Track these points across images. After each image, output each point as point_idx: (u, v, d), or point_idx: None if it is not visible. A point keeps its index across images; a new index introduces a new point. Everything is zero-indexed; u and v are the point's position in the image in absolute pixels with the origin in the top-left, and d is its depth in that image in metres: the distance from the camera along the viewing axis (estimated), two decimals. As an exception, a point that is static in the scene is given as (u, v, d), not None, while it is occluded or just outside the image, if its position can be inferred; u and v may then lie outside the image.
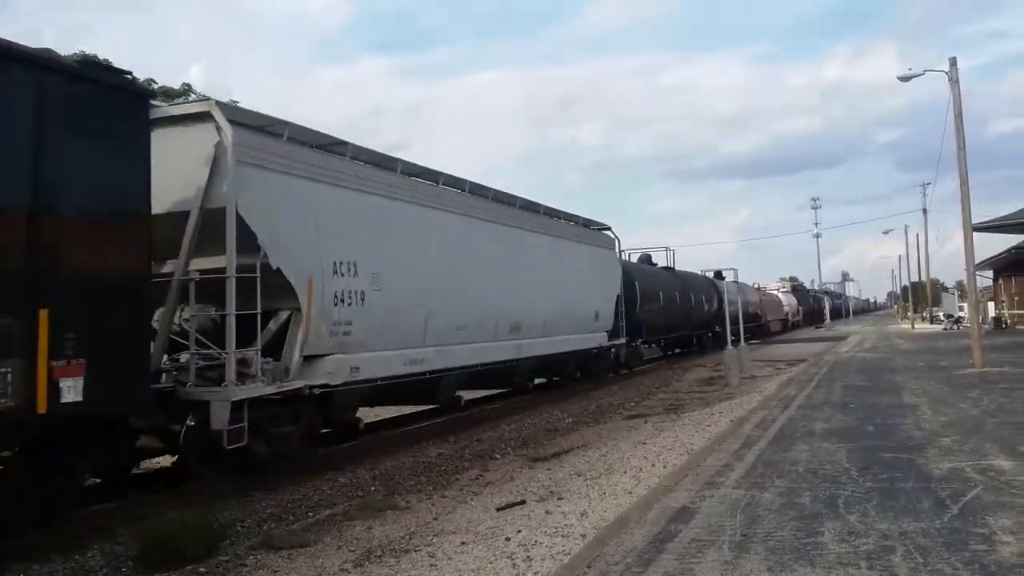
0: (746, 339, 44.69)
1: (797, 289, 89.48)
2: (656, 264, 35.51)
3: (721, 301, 39.13)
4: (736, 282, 44.47)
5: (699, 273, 41.80)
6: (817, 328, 73.70)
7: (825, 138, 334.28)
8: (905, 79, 23.83)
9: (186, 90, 34.53)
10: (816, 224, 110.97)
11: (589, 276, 22.74)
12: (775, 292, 69.42)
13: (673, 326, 34.07)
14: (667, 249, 37.03)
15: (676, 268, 37.46)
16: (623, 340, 25.38)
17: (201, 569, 7.42)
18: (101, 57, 33.25)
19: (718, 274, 43.36)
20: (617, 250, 26.08)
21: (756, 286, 59.35)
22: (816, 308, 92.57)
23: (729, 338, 26.68)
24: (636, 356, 28.88)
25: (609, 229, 25.57)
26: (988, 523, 6.43)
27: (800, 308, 78.66)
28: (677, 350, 38.11)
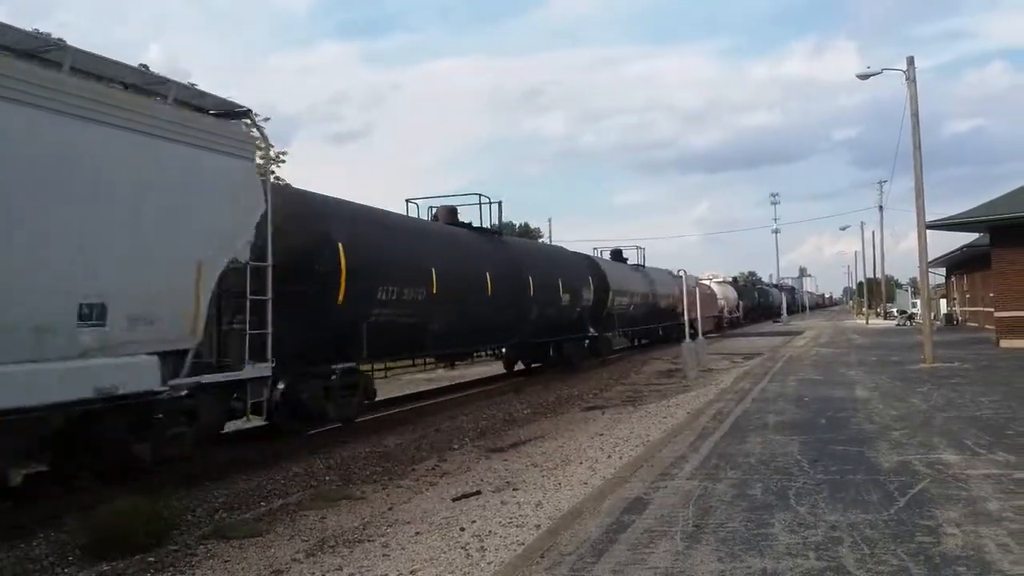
0: (640, 343, 37.75)
1: (739, 281, 77.62)
2: (471, 224, 20.81)
3: (605, 292, 28.43)
4: (639, 266, 36.84)
5: (564, 248, 29.95)
6: (774, 323, 72.85)
7: (784, 134, 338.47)
8: (864, 77, 24.14)
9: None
10: (775, 219, 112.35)
11: (109, 212, 8.61)
12: (707, 283, 56.76)
13: (483, 329, 19.53)
14: (487, 201, 21.40)
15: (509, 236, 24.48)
16: (264, 370, 11.00)
17: (150, 559, 7.32)
18: (55, 36, 32.51)
19: (616, 253, 35.59)
20: (263, 164, 13.41)
21: (682, 274, 49.62)
22: (763, 303, 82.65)
23: (688, 332, 26.99)
24: (350, 397, 14.31)
25: (246, 115, 11.48)
26: (934, 515, 6.54)
27: (741, 303, 66.26)
28: (536, 364, 26.09)
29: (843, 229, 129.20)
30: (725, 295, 60.11)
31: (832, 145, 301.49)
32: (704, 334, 46.72)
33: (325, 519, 8.66)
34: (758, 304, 78.36)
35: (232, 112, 11.23)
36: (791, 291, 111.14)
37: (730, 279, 67.91)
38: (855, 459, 9.00)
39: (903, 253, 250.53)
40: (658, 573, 5.47)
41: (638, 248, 38.39)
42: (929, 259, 26.23)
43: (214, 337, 10.46)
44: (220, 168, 10.18)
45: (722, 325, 56.36)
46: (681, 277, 47.97)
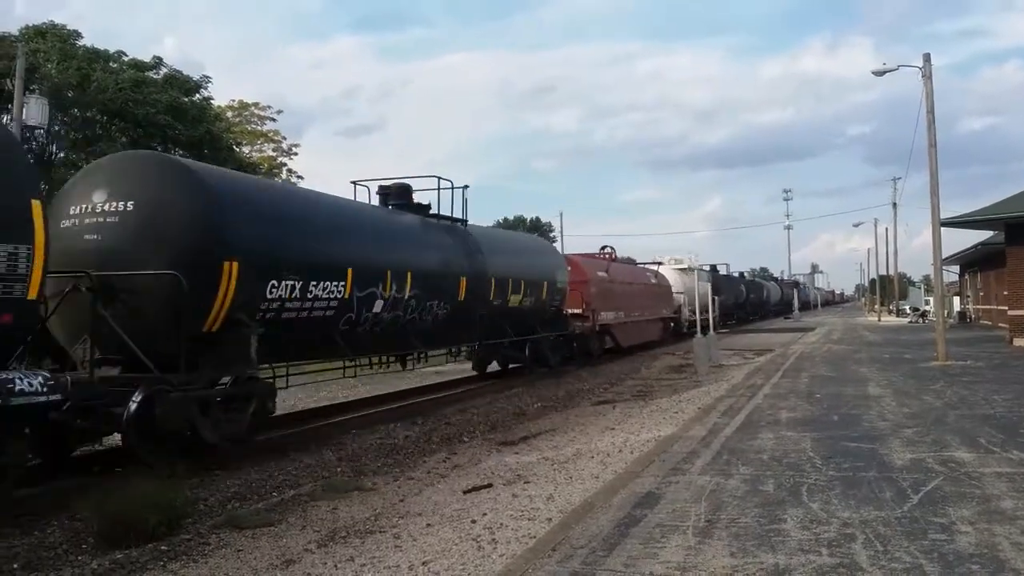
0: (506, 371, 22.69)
1: (718, 271, 51.71)
2: None
3: (206, 266, 10.69)
4: (449, 222, 18.28)
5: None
6: (785, 319, 71.88)
7: (797, 130, 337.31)
8: (879, 74, 23.98)
9: (156, 63, 34.00)
10: (787, 216, 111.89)
11: None
12: (652, 268, 38.64)
13: None
14: None
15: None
16: None
17: (163, 547, 7.35)
18: (70, 28, 32.70)
19: (399, 191, 17.49)
20: None
21: (606, 255, 32.17)
22: (754, 301, 65.17)
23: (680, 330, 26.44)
24: None
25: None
26: (948, 513, 6.51)
27: (717, 299, 42.24)
28: None
29: (856, 226, 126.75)
30: (687, 288, 40.37)
31: (846, 141, 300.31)
32: (629, 351, 29.83)
33: (336, 510, 8.69)
34: (746, 301, 61.46)
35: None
36: (794, 286, 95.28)
37: (706, 267, 45.55)
38: (868, 456, 8.96)
39: (917, 250, 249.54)
40: (670, 567, 5.47)
41: (447, 187, 18.26)
42: (943, 256, 26.08)
43: None
44: None
45: (682, 331, 39.22)
46: (605, 256, 31.53)
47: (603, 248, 32.99)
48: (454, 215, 18.49)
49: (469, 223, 19.08)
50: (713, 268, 49.51)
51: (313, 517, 8.42)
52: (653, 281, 35.92)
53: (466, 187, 18.78)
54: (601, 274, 28.20)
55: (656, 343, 34.38)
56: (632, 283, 32.22)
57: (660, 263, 40.49)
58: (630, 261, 39.42)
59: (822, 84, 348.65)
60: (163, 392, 9.92)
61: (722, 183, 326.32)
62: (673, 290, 38.64)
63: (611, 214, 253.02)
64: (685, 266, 43.33)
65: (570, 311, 24.58)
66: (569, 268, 24.78)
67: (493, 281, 18.77)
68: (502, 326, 19.95)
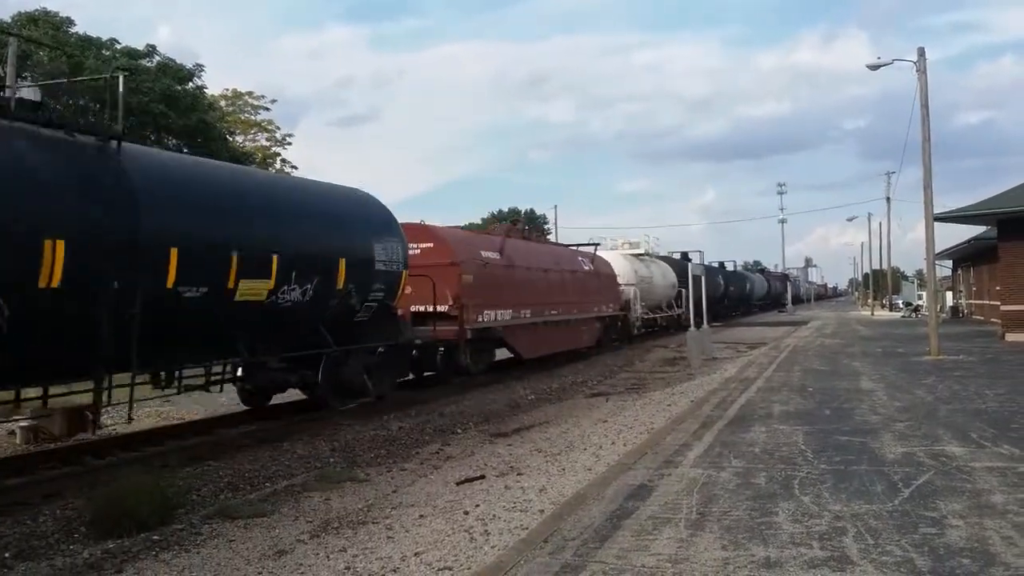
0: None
1: (689, 259, 37.91)
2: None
3: None
4: (94, 135, 9.72)
5: None
6: (780, 312, 72.09)
7: (791, 123, 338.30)
8: (874, 67, 24.01)
9: (150, 51, 33.85)
10: (782, 209, 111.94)
11: None
12: (588, 252, 29.04)
13: None
14: None
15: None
16: None
17: (155, 536, 7.34)
18: (63, 15, 32.49)
19: None
20: None
21: (503, 230, 24.72)
22: (734, 294, 57.55)
23: (693, 319, 26.49)
24: None
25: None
26: (938, 507, 6.53)
27: (683, 292, 35.55)
28: None
29: (850, 220, 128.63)
30: (640, 279, 33.24)
31: (841, 135, 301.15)
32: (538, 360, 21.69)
33: (329, 501, 8.69)
34: (725, 295, 53.16)
35: None
36: (784, 279, 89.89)
37: (675, 255, 39.74)
38: (859, 450, 8.99)
39: (910, 244, 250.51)
40: (661, 560, 5.48)
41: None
42: (936, 251, 26.14)
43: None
44: None
45: (629, 332, 31.90)
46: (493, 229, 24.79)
47: (513, 221, 25.20)
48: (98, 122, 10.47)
49: (131, 143, 10.68)
50: (684, 256, 40.14)
51: (306, 508, 8.42)
52: (586, 268, 26.77)
53: (121, 74, 11.01)
54: (488, 255, 20.06)
55: (588, 353, 26.30)
56: (548, 270, 23.47)
57: (598, 244, 31.41)
58: (604, 245, 31.96)
59: (817, 77, 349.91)
60: None
61: (717, 175, 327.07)
62: (621, 281, 30.26)
63: (607, 205, 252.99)
64: (641, 251, 35.78)
65: (419, 308, 17.36)
66: (431, 244, 18.30)
67: (175, 254, 9.98)
68: (229, 336, 11.52)
